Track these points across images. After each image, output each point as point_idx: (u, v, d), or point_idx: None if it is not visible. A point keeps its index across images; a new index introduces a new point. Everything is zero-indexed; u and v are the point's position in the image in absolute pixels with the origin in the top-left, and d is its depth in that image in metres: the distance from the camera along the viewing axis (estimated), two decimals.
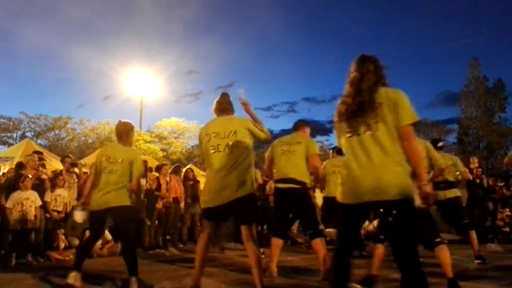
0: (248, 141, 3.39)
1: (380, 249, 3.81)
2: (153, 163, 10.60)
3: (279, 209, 4.56)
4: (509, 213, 8.62)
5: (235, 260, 5.59)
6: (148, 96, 28.74)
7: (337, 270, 2.32)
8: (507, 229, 8.29)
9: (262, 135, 3.49)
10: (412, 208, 2.13)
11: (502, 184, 9.09)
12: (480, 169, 9.01)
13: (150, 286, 3.94)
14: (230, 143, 3.34)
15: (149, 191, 7.15)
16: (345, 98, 2.36)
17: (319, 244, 4.24)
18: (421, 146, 3.72)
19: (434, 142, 6.35)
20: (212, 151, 3.39)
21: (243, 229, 3.28)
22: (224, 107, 3.57)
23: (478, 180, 8.86)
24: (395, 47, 59.26)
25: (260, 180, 5.14)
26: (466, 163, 7.70)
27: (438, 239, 3.61)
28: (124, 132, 4.12)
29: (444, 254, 3.57)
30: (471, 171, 9.02)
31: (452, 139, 33.26)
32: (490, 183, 8.98)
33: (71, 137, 28.69)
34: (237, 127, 3.41)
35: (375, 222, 8.28)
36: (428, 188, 2.17)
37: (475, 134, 32.06)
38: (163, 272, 4.83)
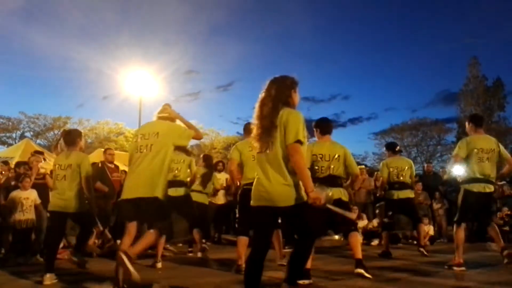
0: (168, 143, 3.54)
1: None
2: None
3: (245, 209, 4.60)
4: (508, 212, 8.61)
5: (233, 260, 5.58)
6: (147, 96, 28.55)
7: (250, 272, 2.67)
8: (507, 228, 8.27)
9: (189, 134, 3.65)
10: (299, 211, 2.57)
11: (502, 183, 9.06)
12: None
13: (150, 285, 3.94)
14: (150, 144, 3.51)
15: None
16: (255, 119, 2.76)
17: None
18: (342, 151, 4.37)
19: (392, 147, 6.51)
20: (135, 151, 3.57)
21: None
22: (163, 115, 3.77)
23: None
24: (396, 47, 59.34)
25: (194, 169, 5.68)
26: None
27: (352, 227, 4.39)
28: (72, 139, 4.45)
29: (355, 239, 4.30)
30: None
31: (451, 138, 33.24)
32: None
33: None
34: (159, 129, 3.58)
35: (375, 222, 8.33)
36: (313, 194, 2.55)
37: None
38: (162, 271, 4.83)
